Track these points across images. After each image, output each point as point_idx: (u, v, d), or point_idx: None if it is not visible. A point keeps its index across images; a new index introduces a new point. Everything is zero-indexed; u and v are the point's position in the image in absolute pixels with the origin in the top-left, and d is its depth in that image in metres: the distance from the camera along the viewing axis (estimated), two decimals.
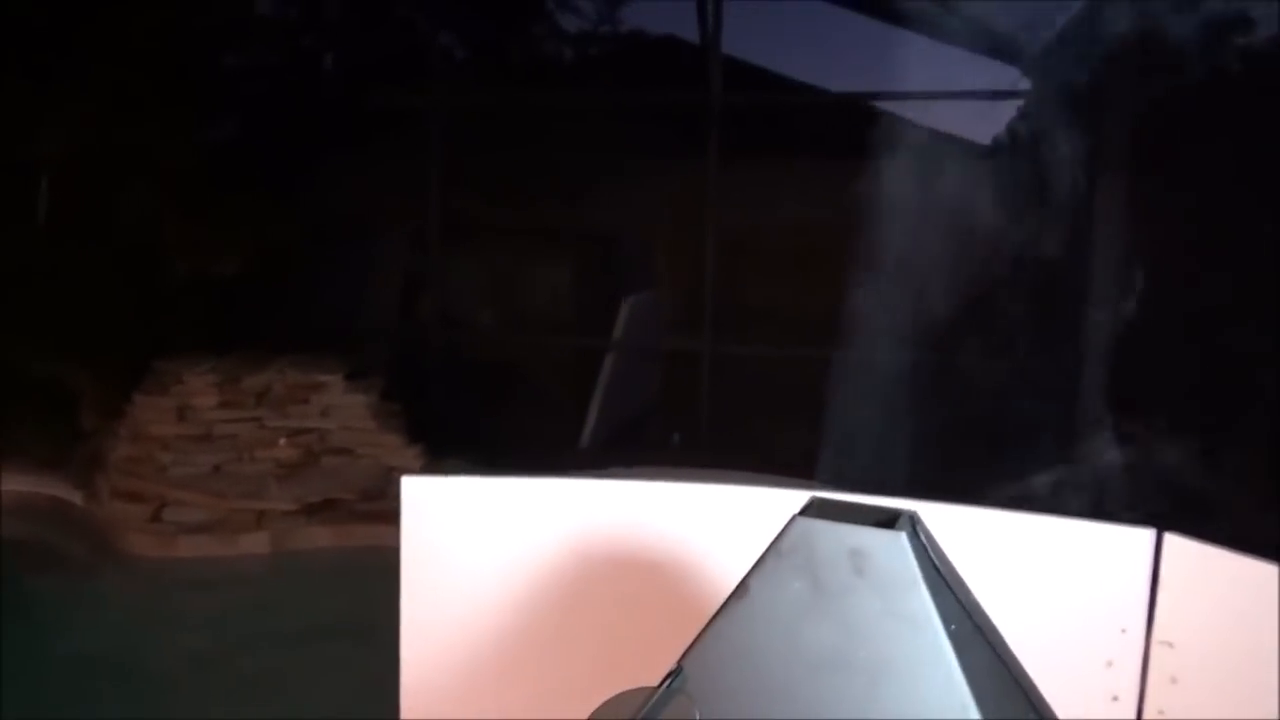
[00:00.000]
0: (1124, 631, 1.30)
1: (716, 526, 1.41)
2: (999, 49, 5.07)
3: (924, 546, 0.47)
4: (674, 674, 0.47)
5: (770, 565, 0.48)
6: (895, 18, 5.24)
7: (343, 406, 5.27)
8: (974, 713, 0.43)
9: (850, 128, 5.80)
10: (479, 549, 1.50)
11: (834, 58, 5.74)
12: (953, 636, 0.45)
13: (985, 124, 5.82)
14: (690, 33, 5.98)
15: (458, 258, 6.26)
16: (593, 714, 0.48)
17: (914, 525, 0.49)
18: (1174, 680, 1.25)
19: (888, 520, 0.49)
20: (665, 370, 6.48)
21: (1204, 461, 3.29)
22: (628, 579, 1.43)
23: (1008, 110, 5.76)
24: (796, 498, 1.40)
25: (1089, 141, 4.49)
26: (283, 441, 5.15)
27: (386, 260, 6.62)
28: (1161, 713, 1.26)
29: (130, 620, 3.99)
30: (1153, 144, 4.32)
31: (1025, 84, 5.15)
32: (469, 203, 6.34)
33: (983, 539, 1.29)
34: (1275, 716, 1.12)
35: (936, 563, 0.47)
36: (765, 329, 6.07)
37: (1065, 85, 4.86)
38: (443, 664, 1.48)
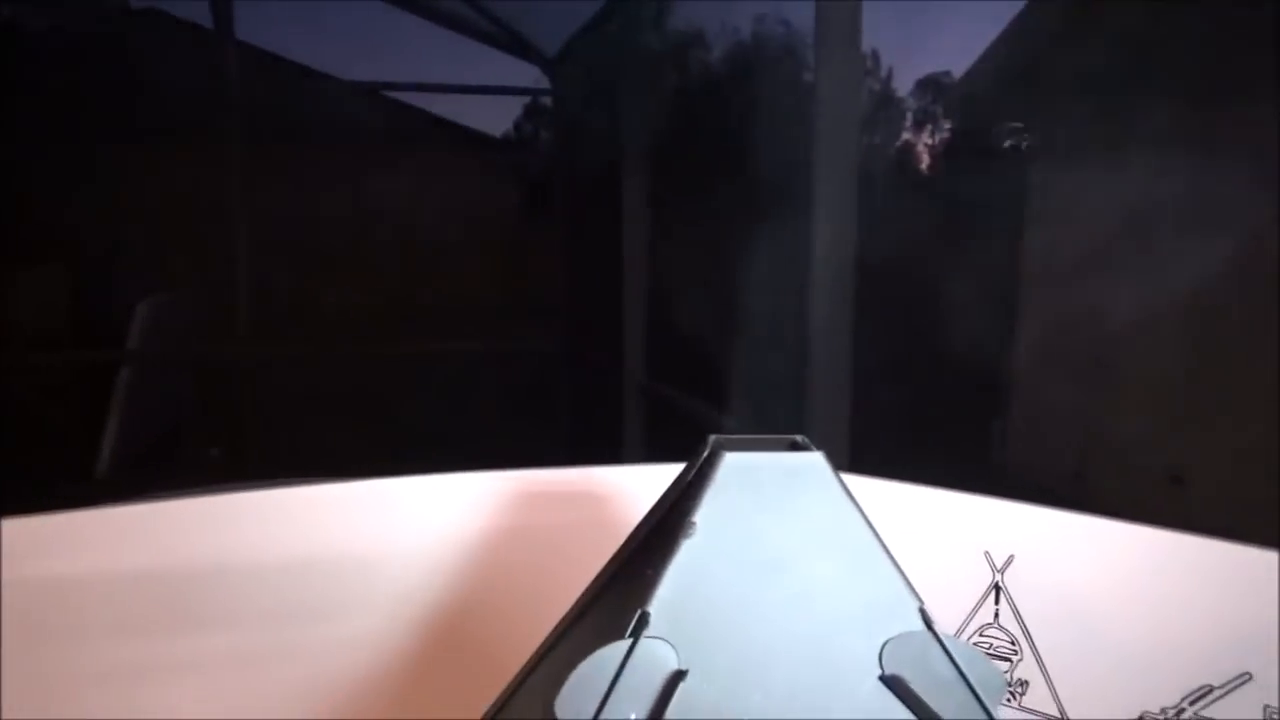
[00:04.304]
0: None
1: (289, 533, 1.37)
2: (520, 48, 5.39)
3: (832, 465, 0.56)
4: (641, 619, 0.50)
5: (710, 499, 0.53)
6: (419, 11, 5.33)
7: None
8: (909, 596, 0.53)
9: (376, 118, 5.78)
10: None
11: (357, 47, 5.64)
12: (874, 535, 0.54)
13: (503, 118, 6.15)
14: (204, 19, 5.46)
15: None
16: (571, 677, 0.49)
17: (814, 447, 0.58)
18: None
19: (792, 446, 0.57)
20: (198, 379, 5.88)
21: None
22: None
23: (523, 105, 6.15)
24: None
25: (605, 136, 4.98)
26: None
27: None
28: None
29: None
30: (660, 144, 4.91)
31: (544, 82, 5.54)
32: None
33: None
34: None
35: (839, 478, 0.56)
36: (307, 328, 5.82)
37: (579, 85, 5.33)
38: None
